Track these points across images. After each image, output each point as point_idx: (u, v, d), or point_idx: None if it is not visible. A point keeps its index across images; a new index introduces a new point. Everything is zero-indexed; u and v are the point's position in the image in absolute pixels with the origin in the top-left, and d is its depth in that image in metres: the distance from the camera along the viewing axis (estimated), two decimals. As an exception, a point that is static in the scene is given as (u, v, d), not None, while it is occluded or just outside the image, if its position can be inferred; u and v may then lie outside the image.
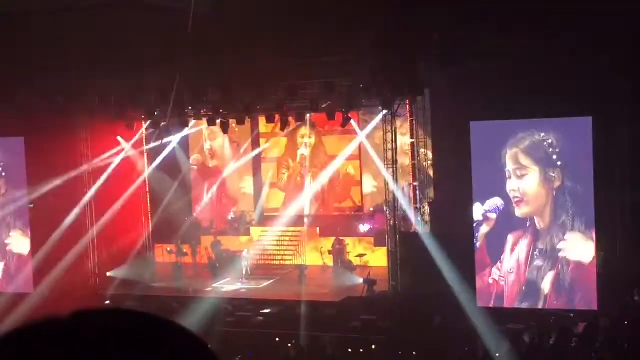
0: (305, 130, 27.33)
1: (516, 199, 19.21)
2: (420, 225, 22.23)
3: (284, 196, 28.36)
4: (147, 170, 26.59)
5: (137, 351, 0.98)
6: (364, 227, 25.65)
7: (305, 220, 26.77)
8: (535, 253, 19.26)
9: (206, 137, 28.66)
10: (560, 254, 18.91)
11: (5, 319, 19.70)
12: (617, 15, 17.57)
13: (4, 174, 23.72)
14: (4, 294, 23.47)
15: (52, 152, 22.89)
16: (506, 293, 19.40)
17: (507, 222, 19.45)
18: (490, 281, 19.59)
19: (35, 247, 23.44)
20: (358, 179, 27.34)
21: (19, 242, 23.79)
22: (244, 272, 24.27)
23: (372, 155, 24.22)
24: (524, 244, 19.30)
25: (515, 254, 19.36)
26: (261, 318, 20.49)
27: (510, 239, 19.43)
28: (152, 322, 1.03)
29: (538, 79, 18.65)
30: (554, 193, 18.92)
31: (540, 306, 19.22)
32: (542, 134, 18.78)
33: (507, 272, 19.41)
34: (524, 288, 19.32)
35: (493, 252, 19.62)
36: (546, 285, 19.12)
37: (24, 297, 22.79)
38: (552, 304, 19.13)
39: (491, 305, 19.52)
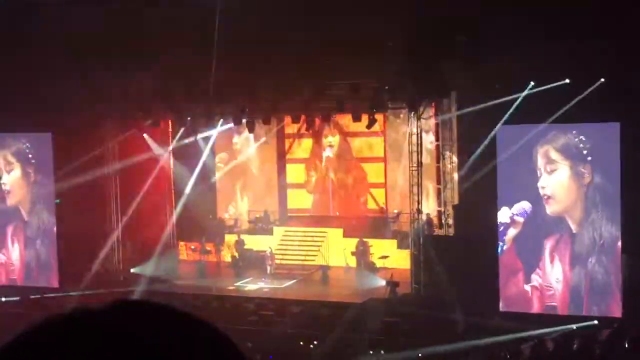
0: (329, 131, 27.34)
1: (545, 196, 19.07)
2: (444, 228, 22.16)
3: (312, 198, 28.39)
4: (172, 168, 26.76)
5: (175, 348, 1.00)
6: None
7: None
8: (574, 258, 19.13)
9: (234, 135, 28.69)
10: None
11: (30, 314, 19.87)
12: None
13: (33, 161, 23.93)
14: (30, 288, 23.78)
15: (79, 148, 23.09)
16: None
17: (538, 225, 19.30)
18: (528, 288, 19.42)
19: (61, 242, 23.65)
20: (382, 180, 27.30)
21: (47, 235, 24.03)
22: (267, 272, 24.33)
23: (397, 157, 24.13)
24: (564, 251, 19.13)
25: (556, 262, 19.16)
26: (283, 318, 20.51)
27: (547, 245, 19.27)
28: (190, 320, 1.05)
29: (565, 83, 18.54)
30: (585, 190, 18.77)
31: (583, 313, 19.06)
32: (574, 131, 18.68)
33: (555, 281, 19.25)
34: (570, 296, 19.18)
35: (525, 256, 19.46)
36: (584, 290, 19.00)
37: (49, 292, 23.03)
38: (590, 310, 18.97)
39: (516, 310, 19.42)
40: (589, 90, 18.13)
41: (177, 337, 1.01)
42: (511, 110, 19.19)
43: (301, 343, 18.38)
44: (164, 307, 1.05)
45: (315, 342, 18.35)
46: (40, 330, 1.00)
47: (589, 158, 18.58)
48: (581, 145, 18.62)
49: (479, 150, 19.73)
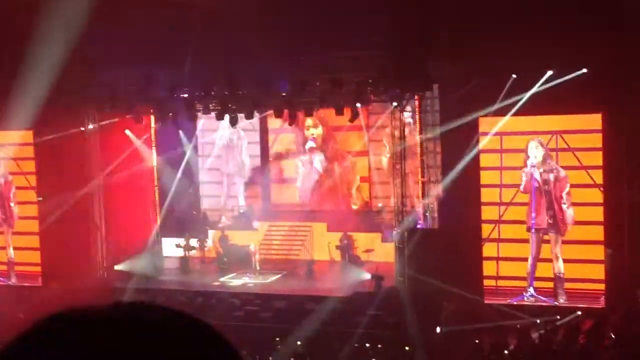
0: (311, 121, 27.27)
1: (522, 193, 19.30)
2: (428, 221, 22.21)
3: (295, 191, 28.37)
4: (155, 165, 26.65)
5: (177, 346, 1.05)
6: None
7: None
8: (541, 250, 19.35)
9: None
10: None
11: (16, 311, 19.76)
12: (627, 11, 17.53)
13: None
14: (13, 286, 23.67)
15: (60, 145, 22.95)
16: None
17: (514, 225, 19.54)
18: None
19: (43, 239, 23.52)
20: (366, 174, 27.32)
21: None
22: (252, 267, 24.30)
23: (380, 151, 24.12)
24: (536, 244, 19.36)
25: (530, 255, 19.41)
26: (269, 313, 20.50)
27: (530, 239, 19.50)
28: (188, 320, 1.12)
29: (549, 75, 18.63)
30: (557, 190, 19.02)
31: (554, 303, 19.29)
32: (553, 135, 18.85)
33: (527, 273, 19.46)
34: (533, 287, 19.39)
35: (503, 254, 19.72)
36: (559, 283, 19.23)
37: (32, 290, 22.91)
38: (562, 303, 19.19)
39: (500, 302, 19.53)
40: (568, 77, 18.24)
41: (178, 336, 1.06)
42: (495, 104, 19.25)
43: (285, 334, 18.36)
44: (162, 308, 1.07)
45: (299, 341, 18.31)
46: (41, 332, 1.01)
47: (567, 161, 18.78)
48: (559, 146, 18.84)
49: (461, 142, 19.78)
